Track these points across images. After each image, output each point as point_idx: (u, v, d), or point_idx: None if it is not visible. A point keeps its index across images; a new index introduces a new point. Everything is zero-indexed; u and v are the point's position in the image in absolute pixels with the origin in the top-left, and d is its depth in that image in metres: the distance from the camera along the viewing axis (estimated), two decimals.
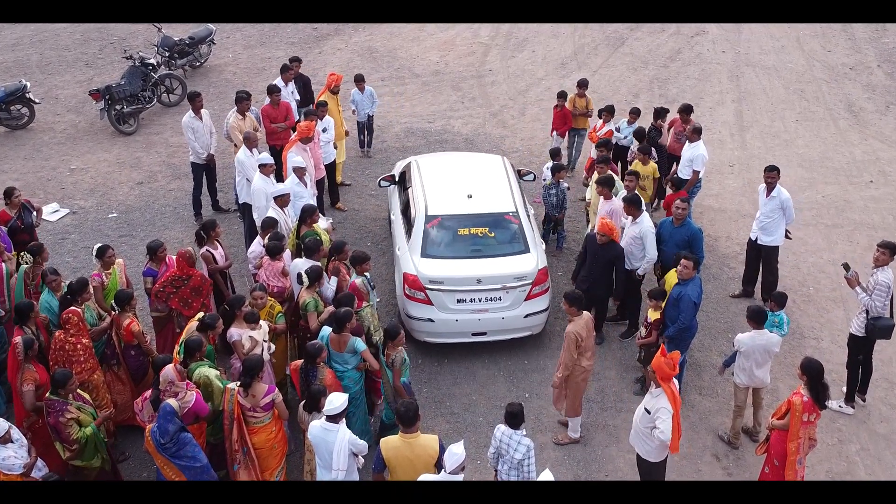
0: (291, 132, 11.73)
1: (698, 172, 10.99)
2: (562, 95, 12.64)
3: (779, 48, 17.56)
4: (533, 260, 9.18)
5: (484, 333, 9.23)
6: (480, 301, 9.02)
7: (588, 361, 7.91)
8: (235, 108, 11.72)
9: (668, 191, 11.25)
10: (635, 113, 12.12)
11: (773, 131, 14.54)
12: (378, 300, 9.12)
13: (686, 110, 11.69)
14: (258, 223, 10.13)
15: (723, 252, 11.36)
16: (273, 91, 11.94)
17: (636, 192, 9.71)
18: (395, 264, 9.78)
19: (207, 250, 9.15)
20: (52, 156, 13.84)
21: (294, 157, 10.38)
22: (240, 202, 11.01)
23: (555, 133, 12.80)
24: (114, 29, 18.51)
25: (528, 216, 9.75)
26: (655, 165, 11.26)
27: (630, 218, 9.18)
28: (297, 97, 13.00)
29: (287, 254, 8.99)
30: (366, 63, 16.99)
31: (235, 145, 11.57)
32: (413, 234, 9.36)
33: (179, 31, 17.89)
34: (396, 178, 11.01)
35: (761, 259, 10.03)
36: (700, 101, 15.48)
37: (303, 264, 8.55)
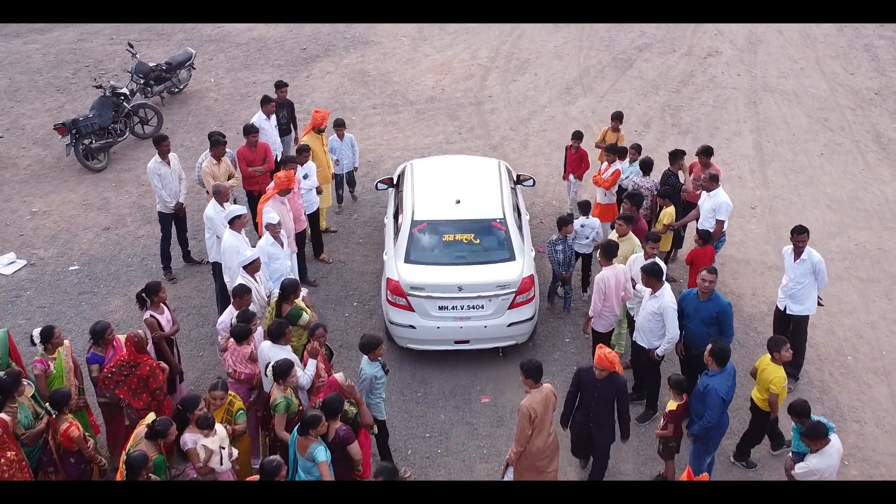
0: (271, 176, 10.65)
1: (723, 223, 9.88)
2: (577, 136, 11.44)
3: (798, 71, 16.43)
4: (517, 268, 9.04)
5: (467, 341, 9.14)
6: (462, 309, 8.93)
7: (543, 442, 6.87)
8: (209, 151, 10.61)
9: (694, 245, 10.05)
10: (636, 149, 11.00)
11: (797, 166, 13.42)
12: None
13: (706, 153, 10.58)
14: (230, 286, 9.03)
15: (748, 312, 10.23)
16: (250, 132, 10.83)
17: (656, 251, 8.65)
18: (382, 269, 9.67)
19: (151, 315, 8.07)
20: (13, 196, 12.73)
21: (269, 212, 9.25)
22: (210, 261, 9.89)
23: (571, 177, 11.62)
24: (89, 51, 17.39)
25: (519, 223, 9.62)
26: (672, 210, 10.16)
27: (648, 290, 8.07)
28: (287, 123, 11.99)
29: (259, 333, 7.89)
30: (357, 88, 15.87)
31: (208, 192, 10.48)
32: (398, 239, 9.32)
33: (161, 52, 16.82)
34: (395, 181, 10.83)
35: (791, 330, 8.91)
36: (716, 132, 14.35)
37: (269, 350, 7.44)
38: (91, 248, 11.49)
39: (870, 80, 16.08)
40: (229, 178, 10.64)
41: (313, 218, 10.92)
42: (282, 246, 9.17)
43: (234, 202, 11.11)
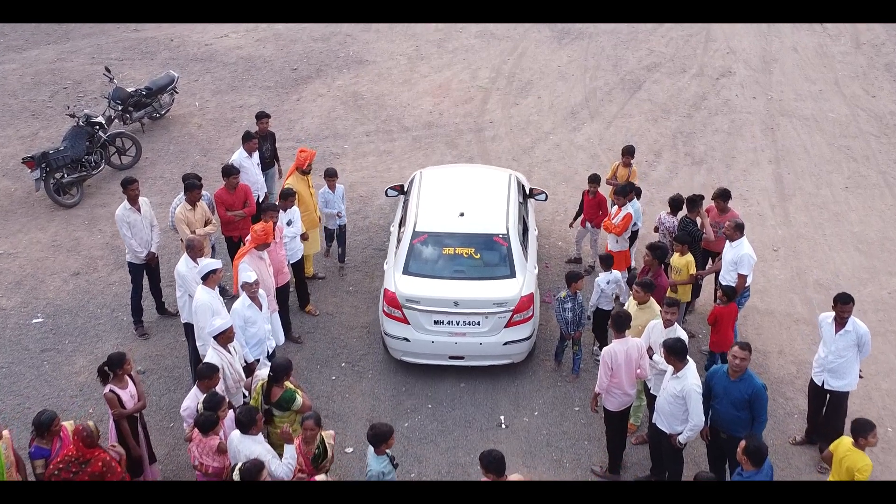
0: (253, 220, 9.77)
1: (745, 277, 8.98)
2: (594, 180, 10.48)
3: (816, 93, 15.52)
4: (516, 286, 8.86)
5: (462, 357, 8.97)
6: (458, 324, 8.81)
7: None
8: (183, 195, 9.71)
9: (717, 302, 9.10)
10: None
11: (820, 201, 12.51)
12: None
13: (723, 196, 9.71)
14: (202, 351, 8.16)
15: (775, 374, 9.32)
16: (229, 173, 9.93)
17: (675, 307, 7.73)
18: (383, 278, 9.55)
19: (111, 390, 7.19)
20: None
21: (245, 270, 8.34)
22: (182, 321, 8.99)
23: (588, 225, 10.67)
24: (68, 71, 16.48)
25: (524, 239, 9.47)
26: (692, 259, 9.26)
27: (670, 368, 7.15)
28: (270, 156, 11.10)
29: (230, 417, 6.98)
30: (349, 112, 14.96)
31: (182, 240, 9.60)
32: (399, 249, 9.24)
33: (143, 73, 15.94)
34: (405, 189, 10.61)
35: (827, 406, 8.00)
36: (732, 162, 13.44)
37: (238, 442, 6.55)
38: (58, 298, 10.58)
39: (893, 103, 15.17)
40: (206, 223, 9.76)
41: (298, 266, 10.03)
42: (260, 308, 8.26)
43: (213, 249, 10.25)
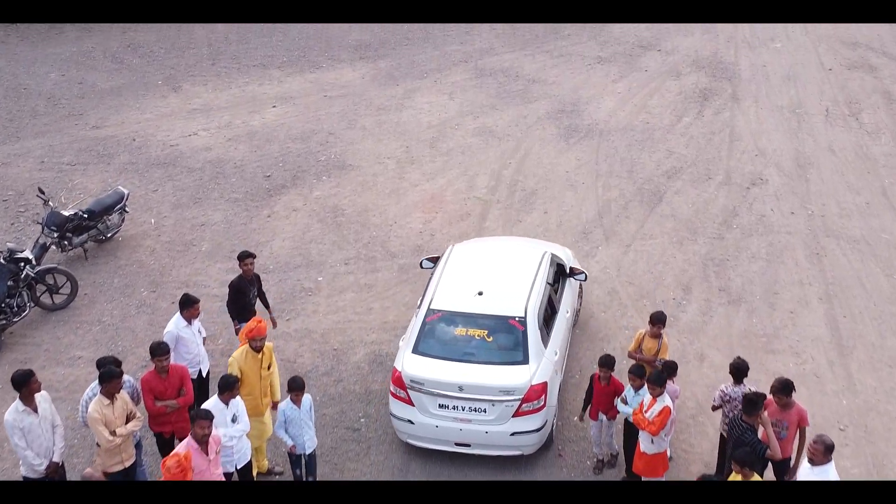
0: (189, 411, 7.68)
1: None
2: (607, 363, 8.35)
3: (863, 207, 13.56)
4: (526, 373, 8.47)
5: (468, 445, 8.61)
6: (463, 410, 8.49)
7: None
8: (98, 384, 7.63)
9: None
10: (637, 374, 8.05)
11: (888, 355, 10.40)
12: None
13: (784, 389, 7.63)
14: None
15: None
16: (158, 353, 7.86)
17: None
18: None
19: None
20: None
21: None
22: None
23: (602, 416, 8.58)
24: (12, 179, 14.55)
25: (547, 324, 9.11)
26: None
27: None
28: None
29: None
30: (327, 233, 12.96)
31: (98, 444, 7.49)
32: (411, 326, 9.10)
33: (97, 180, 14.06)
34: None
35: None
36: (775, 301, 11.38)
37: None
38: None
39: None
40: (129, 419, 7.66)
41: (246, 470, 7.87)
42: None
43: (138, 446, 8.11)
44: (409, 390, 8.55)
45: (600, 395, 8.37)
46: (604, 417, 8.46)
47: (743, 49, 19.64)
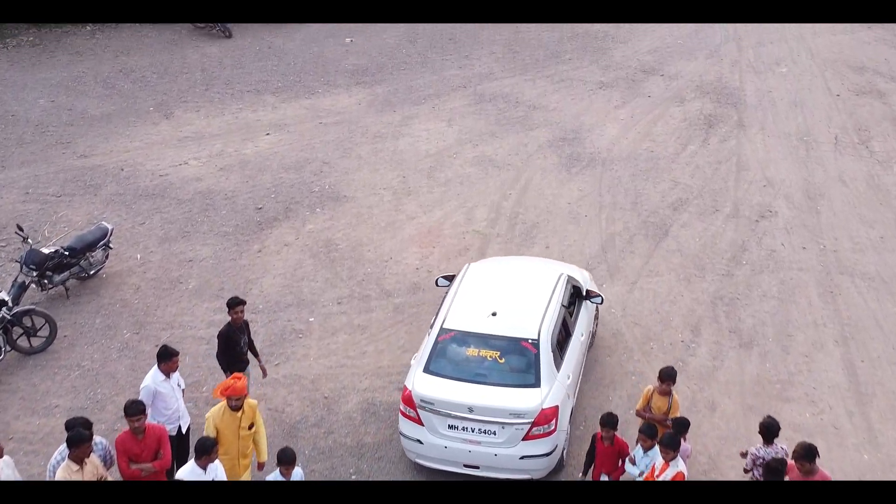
0: (167, 476, 7.12)
1: None
2: (610, 422, 7.84)
3: (877, 242, 13.05)
4: (537, 396, 8.38)
5: (477, 467, 8.55)
6: (473, 431, 8.44)
7: None
8: (66, 447, 7.08)
9: None
10: (649, 434, 7.51)
11: None
12: None
13: (807, 455, 7.10)
14: None
15: None
16: (133, 412, 7.32)
17: None
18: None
19: None
20: None
21: None
22: None
23: (605, 477, 8.02)
24: None
25: (561, 347, 9.00)
26: None
27: None
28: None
29: None
30: (319, 269, 12.45)
31: None
32: (424, 345, 9.04)
33: (83, 212, 13.57)
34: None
35: None
36: (789, 343, 10.85)
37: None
38: None
39: None
40: None
41: None
42: None
43: None
44: (418, 409, 8.53)
45: (603, 456, 7.84)
46: (606, 479, 7.90)
47: (748, 74, 19.22)
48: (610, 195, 14.40)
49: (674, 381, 8.19)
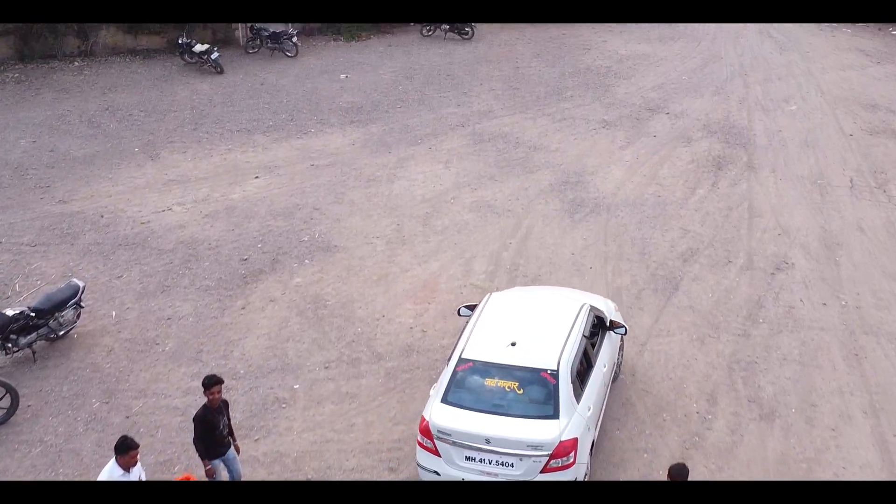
0: None
1: None
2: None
3: None
4: (556, 428, 8.26)
5: None
6: (490, 463, 8.31)
7: None
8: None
9: None
10: None
11: None
12: None
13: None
14: None
15: None
16: None
17: None
18: None
19: None
20: None
21: None
22: None
23: None
24: None
25: (581, 378, 8.86)
26: None
27: None
28: (228, 433, 7.64)
29: None
30: (307, 329, 11.62)
31: None
32: (442, 375, 8.96)
33: (59, 262, 12.81)
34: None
35: None
36: (814, 413, 10.00)
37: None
38: None
39: None
40: None
41: None
42: None
43: None
44: (436, 440, 8.43)
45: None
46: None
47: (756, 112, 18.56)
48: (616, 244, 13.62)
49: (685, 479, 7.32)
